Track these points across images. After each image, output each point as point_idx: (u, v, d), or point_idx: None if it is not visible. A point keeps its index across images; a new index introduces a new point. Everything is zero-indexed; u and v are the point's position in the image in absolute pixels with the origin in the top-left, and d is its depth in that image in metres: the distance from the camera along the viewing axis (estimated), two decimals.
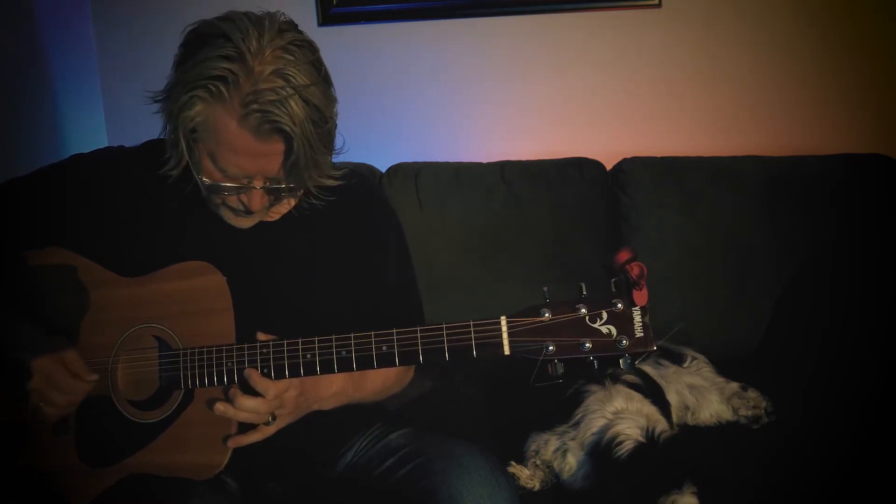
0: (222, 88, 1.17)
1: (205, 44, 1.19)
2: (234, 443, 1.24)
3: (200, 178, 1.26)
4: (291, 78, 1.18)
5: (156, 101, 1.26)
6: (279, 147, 1.21)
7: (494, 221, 2.14)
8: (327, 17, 2.31)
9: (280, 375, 1.22)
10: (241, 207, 1.30)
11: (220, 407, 1.22)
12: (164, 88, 1.25)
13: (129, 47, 2.36)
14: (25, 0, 2.14)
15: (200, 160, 1.25)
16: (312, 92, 1.20)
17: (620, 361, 1.10)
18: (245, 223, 1.35)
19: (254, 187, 1.25)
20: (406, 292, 1.53)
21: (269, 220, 1.41)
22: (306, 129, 1.19)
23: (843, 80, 2.24)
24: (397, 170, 2.22)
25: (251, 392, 1.23)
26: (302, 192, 1.34)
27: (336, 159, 1.38)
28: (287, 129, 1.18)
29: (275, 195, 1.29)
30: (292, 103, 1.17)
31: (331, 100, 1.25)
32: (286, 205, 1.37)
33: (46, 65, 2.22)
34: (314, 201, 1.36)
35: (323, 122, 1.22)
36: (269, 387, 1.22)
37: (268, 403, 1.22)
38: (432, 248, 2.11)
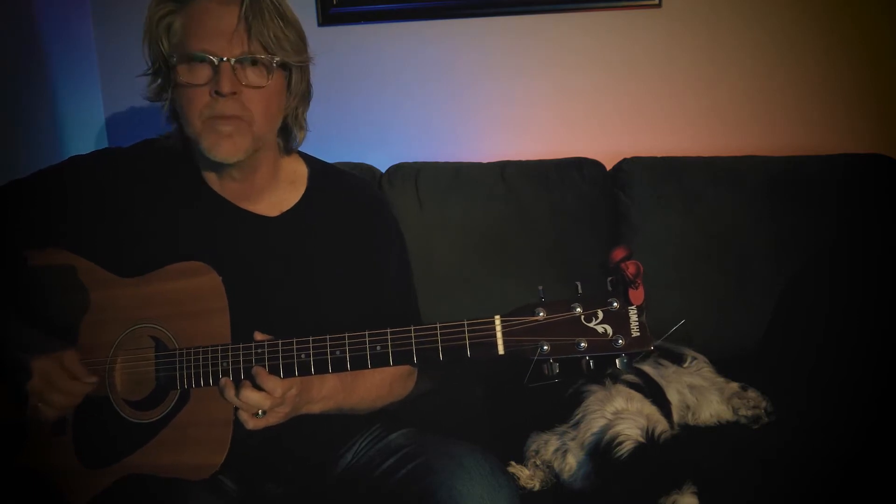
0: None
1: None
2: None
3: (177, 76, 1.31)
4: None
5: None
6: (237, 6, 1.28)
7: (494, 221, 2.14)
8: (327, 17, 2.31)
9: (275, 375, 1.22)
10: (216, 108, 1.29)
11: (224, 381, 1.22)
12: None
13: (129, 47, 2.34)
14: (25, 0, 2.14)
15: (176, 69, 1.31)
16: None
17: (617, 361, 1.09)
18: (226, 148, 1.31)
19: (221, 59, 1.27)
20: (404, 299, 1.53)
21: (271, 214, 1.41)
22: None
23: (843, 80, 2.24)
24: (397, 170, 2.22)
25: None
26: (273, 70, 1.33)
27: (336, 159, 1.38)
28: None
29: (247, 66, 1.30)
30: None
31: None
32: (262, 92, 1.33)
33: (46, 65, 2.22)
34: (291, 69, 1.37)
35: (275, 3, 1.31)
36: (278, 386, 1.21)
37: (271, 400, 1.22)
38: (432, 248, 2.11)
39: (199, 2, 1.30)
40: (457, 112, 2.36)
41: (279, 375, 1.22)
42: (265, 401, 1.21)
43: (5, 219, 1.41)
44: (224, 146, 1.31)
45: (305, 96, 1.42)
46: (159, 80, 1.36)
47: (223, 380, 1.23)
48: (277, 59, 1.31)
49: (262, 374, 1.21)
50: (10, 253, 1.39)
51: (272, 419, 1.25)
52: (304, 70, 1.39)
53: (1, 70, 2.05)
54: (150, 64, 1.36)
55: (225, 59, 1.28)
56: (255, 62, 1.30)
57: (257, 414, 1.22)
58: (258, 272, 1.38)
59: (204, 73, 1.29)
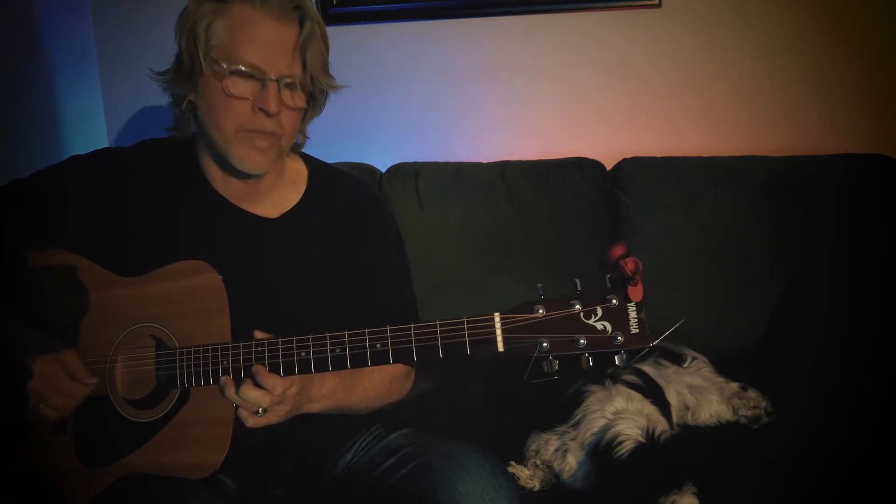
0: None
1: None
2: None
3: (216, 69, 1.29)
4: None
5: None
6: (293, 30, 1.29)
7: (494, 221, 2.14)
8: (327, 17, 2.30)
9: (275, 373, 1.22)
10: (256, 123, 1.30)
11: (224, 379, 1.23)
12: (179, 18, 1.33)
13: (129, 47, 2.35)
14: (25, 0, 2.14)
15: (214, 64, 1.30)
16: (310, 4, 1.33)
17: (616, 358, 1.09)
18: (257, 161, 1.33)
19: (270, 78, 1.28)
20: (403, 299, 1.53)
21: (271, 215, 1.41)
22: (316, 18, 1.31)
23: (843, 80, 2.24)
24: (397, 170, 2.22)
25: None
26: (307, 102, 1.36)
27: (336, 159, 1.38)
28: (301, 4, 1.29)
29: (289, 89, 1.31)
30: None
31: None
32: (292, 123, 1.36)
33: (46, 65, 2.22)
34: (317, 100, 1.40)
35: (324, 29, 1.34)
36: (277, 383, 1.22)
37: (270, 398, 1.22)
38: (432, 248, 2.11)
39: (247, 8, 1.28)
40: (457, 112, 2.36)
41: (279, 374, 1.22)
42: (265, 398, 1.21)
43: (5, 219, 1.41)
44: (256, 159, 1.33)
45: (319, 111, 1.44)
46: (186, 75, 1.33)
47: (224, 378, 1.23)
48: (320, 86, 1.35)
49: (261, 371, 1.21)
50: (10, 253, 1.39)
51: (272, 417, 1.25)
52: (331, 91, 1.41)
53: (1, 70, 2.05)
54: (181, 58, 1.33)
55: (274, 78, 1.28)
56: (299, 86, 1.32)
57: (257, 412, 1.22)
58: (258, 272, 1.39)
59: (250, 87, 1.29)
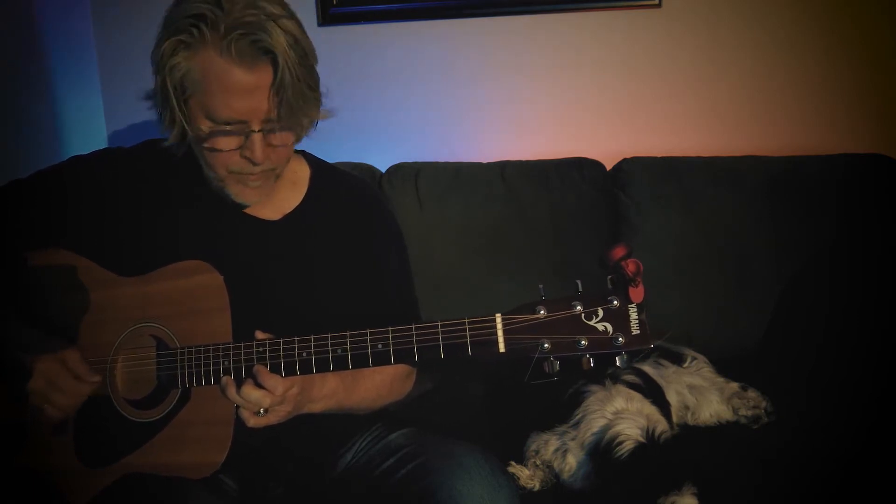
0: (202, 28, 1.21)
1: None
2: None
3: (197, 130, 1.26)
4: (264, 6, 1.22)
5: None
6: (267, 74, 1.23)
7: (494, 221, 2.14)
8: (327, 17, 2.31)
9: (276, 374, 1.22)
10: (245, 167, 1.28)
11: (226, 379, 1.22)
12: (154, 48, 1.28)
13: (129, 47, 2.35)
14: (25, 0, 2.14)
15: (195, 119, 1.26)
16: (287, 24, 1.24)
17: (617, 359, 1.10)
18: (252, 196, 1.33)
19: (252, 130, 1.25)
20: (405, 299, 1.53)
21: (272, 217, 1.41)
22: (289, 55, 1.22)
23: (843, 80, 2.24)
24: (397, 170, 2.22)
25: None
26: (295, 135, 1.32)
27: (336, 159, 1.38)
28: (270, 47, 1.21)
29: (272, 135, 1.28)
30: (270, 27, 1.21)
31: (307, 38, 1.28)
32: (283, 155, 1.33)
33: (46, 65, 2.22)
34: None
35: (303, 55, 1.25)
36: (279, 384, 1.21)
37: (271, 399, 1.22)
38: (432, 248, 2.11)
39: (217, 57, 1.21)
40: (457, 112, 2.36)
41: (281, 374, 1.22)
42: (266, 399, 1.21)
43: (6, 219, 1.41)
44: (250, 195, 1.35)
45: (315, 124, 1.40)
46: (170, 118, 1.29)
47: (224, 378, 1.23)
48: (306, 122, 1.31)
49: (263, 372, 1.21)
50: (10, 253, 1.39)
51: (273, 418, 1.25)
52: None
53: (1, 70, 2.05)
54: (161, 99, 1.28)
55: (257, 129, 1.26)
56: (283, 128, 1.29)
57: (258, 412, 1.22)
58: (259, 273, 1.39)
59: (234, 139, 1.27)
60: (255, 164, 1.28)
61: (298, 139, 1.36)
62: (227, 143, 1.27)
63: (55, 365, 1.28)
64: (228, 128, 1.25)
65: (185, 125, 1.27)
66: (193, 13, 1.22)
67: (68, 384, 1.28)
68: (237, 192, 1.34)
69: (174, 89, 1.25)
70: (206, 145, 1.28)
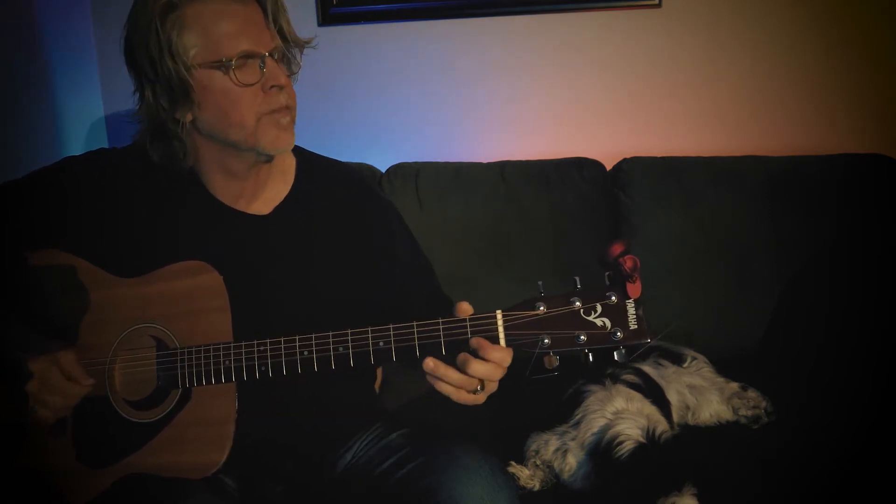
0: None
1: None
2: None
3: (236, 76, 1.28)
4: None
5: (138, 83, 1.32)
6: (255, 5, 1.29)
7: (494, 221, 2.14)
8: (327, 17, 2.31)
9: (277, 373, 1.23)
10: (272, 100, 1.30)
11: (430, 360, 1.16)
12: (131, 59, 1.32)
13: None
14: (25, 0, 2.14)
15: (206, 79, 1.28)
16: None
17: (615, 354, 1.11)
18: (285, 140, 1.33)
19: (265, 55, 1.29)
20: (421, 272, 1.53)
21: (263, 211, 1.41)
22: None
23: (843, 80, 2.24)
24: (397, 170, 2.22)
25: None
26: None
27: (337, 159, 1.37)
28: None
29: (284, 60, 1.33)
30: None
31: None
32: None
33: (46, 65, 2.22)
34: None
35: None
36: (506, 355, 1.14)
37: (502, 371, 1.16)
38: (432, 248, 2.08)
39: (202, 6, 1.27)
40: (457, 112, 2.36)
41: (283, 373, 1.22)
42: (497, 372, 1.15)
43: (4, 219, 1.41)
44: (285, 137, 1.34)
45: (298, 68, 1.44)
46: (182, 97, 1.29)
47: (428, 359, 1.16)
48: (299, 48, 1.35)
49: (486, 345, 1.14)
50: (9, 253, 1.39)
51: (490, 390, 1.19)
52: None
53: (1, 70, 2.05)
54: (170, 82, 1.28)
55: (268, 53, 1.29)
56: (284, 55, 1.34)
57: (476, 390, 1.17)
58: (256, 270, 1.38)
59: (254, 70, 1.29)
60: (281, 87, 1.30)
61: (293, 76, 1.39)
62: (249, 74, 1.28)
63: (49, 366, 1.28)
64: (245, 55, 1.28)
65: (192, 76, 1.27)
66: None
67: (61, 385, 1.28)
68: (273, 140, 1.32)
69: (177, 57, 1.26)
70: (232, 78, 1.27)
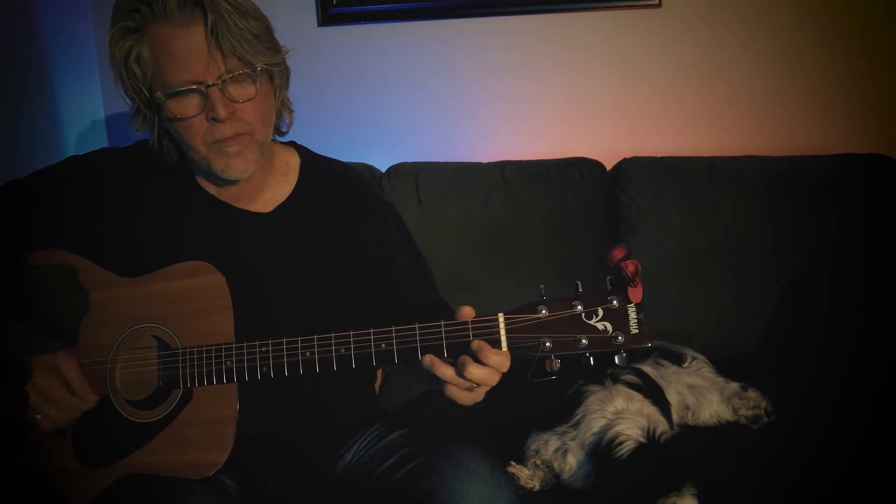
0: (142, 8, 1.25)
1: None
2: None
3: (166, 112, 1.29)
4: None
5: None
6: (201, 26, 1.24)
7: (494, 221, 2.14)
8: (327, 17, 2.31)
9: (279, 374, 1.23)
10: (217, 131, 1.28)
11: (428, 357, 1.16)
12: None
13: None
14: (25, 0, 2.14)
15: (162, 107, 1.29)
16: None
17: (616, 358, 1.11)
18: (238, 167, 1.31)
19: (207, 84, 1.25)
20: (418, 272, 1.53)
21: (265, 210, 1.41)
22: (219, 2, 1.25)
23: (843, 80, 2.24)
24: (397, 170, 2.22)
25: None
26: (257, 77, 1.30)
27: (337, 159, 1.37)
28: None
29: (236, 82, 1.28)
30: None
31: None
32: (252, 112, 1.31)
33: (46, 65, 2.22)
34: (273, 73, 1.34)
35: (236, 3, 1.27)
36: (505, 360, 1.15)
37: (498, 376, 1.16)
38: (432, 248, 2.10)
39: (158, 27, 1.26)
40: (457, 112, 2.36)
41: (285, 374, 1.22)
42: (493, 376, 1.15)
43: (4, 219, 1.41)
44: (235, 165, 1.32)
45: (287, 82, 1.40)
46: (146, 115, 1.33)
47: (427, 356, 1.16)
48: (258, 67, 1.29)
49: (486, 348, 1.14)
50: (9, 253, 1.39)
51: (483, 392, 1.19)
52: (283, 63, 1.37)
53: (1, 70, 2.05)
54: (130, 102, 1.34)
55: (210, 83, 1.26)
56: (238, 78, 1.28)
57: (471, 389, 1.17)
58: (258, 269, 1.38)
59: (194, 102, 1.27)
60: (219, 121, 1.27)
61: (281, 93, 1.37)
62: (188, 106, 1.27)
63: (51, 378, 1.27)
64: (182, 88, 1.26)
65: (150, 102, 1.30)
66: (132, 6, 1.26)
67: (63, 399, 1.27)
68: (223, 167, 1.31)
69: (137, 78, 1.29)
70: (172, 116, 1.28)
